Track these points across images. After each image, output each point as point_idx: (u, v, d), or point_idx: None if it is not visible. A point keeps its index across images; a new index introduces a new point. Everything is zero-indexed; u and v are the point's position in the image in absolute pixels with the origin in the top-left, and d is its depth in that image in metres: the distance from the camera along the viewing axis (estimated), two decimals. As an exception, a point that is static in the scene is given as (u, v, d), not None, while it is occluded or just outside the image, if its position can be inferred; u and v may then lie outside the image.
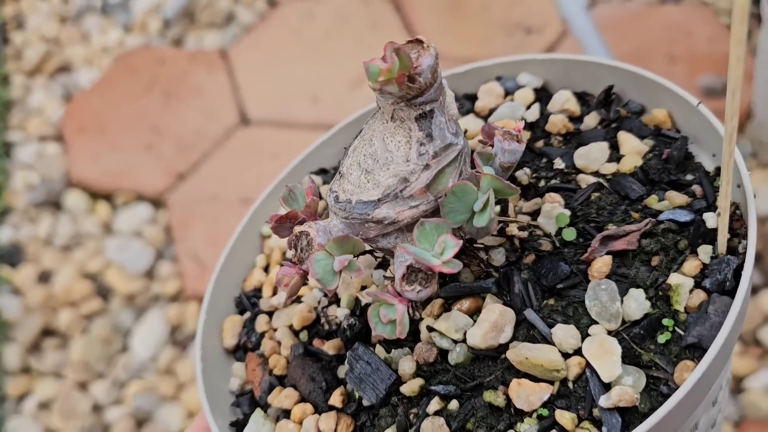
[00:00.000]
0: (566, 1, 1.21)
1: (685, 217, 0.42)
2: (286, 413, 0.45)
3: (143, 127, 1.41)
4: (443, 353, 0.42)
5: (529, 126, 0.52)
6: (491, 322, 0.41)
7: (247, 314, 0.53)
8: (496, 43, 1.37)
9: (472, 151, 0.42)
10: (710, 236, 0.40)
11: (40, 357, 1.22)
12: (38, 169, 1.47)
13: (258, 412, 0.46)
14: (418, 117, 0.40)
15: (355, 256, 0.41)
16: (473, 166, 0.42)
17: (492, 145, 0.41)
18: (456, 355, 0.41)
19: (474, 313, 0.42)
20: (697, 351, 0.37)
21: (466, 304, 0.42)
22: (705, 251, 0.40)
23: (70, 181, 1.40)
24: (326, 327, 0.49)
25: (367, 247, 0.43)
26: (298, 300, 0.52)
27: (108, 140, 1.41)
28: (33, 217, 1.38)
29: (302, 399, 0.46)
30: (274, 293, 0.53)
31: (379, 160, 0.40)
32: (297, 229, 0.42)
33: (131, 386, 1.19)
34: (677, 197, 0.43)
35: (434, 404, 0.40)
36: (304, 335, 0.49)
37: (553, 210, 0.45)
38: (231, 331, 0.52)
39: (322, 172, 0.59)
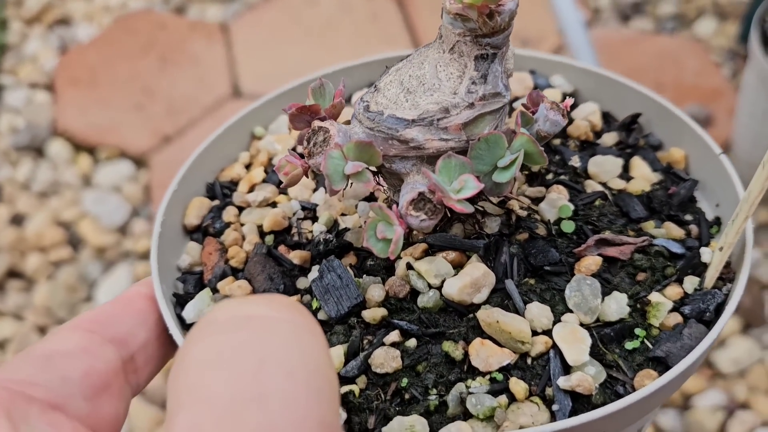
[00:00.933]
0: (565, 14, 1.23)
1: (677, 249, 0.43)
2: (233, 303, 0.44)
3: (135, 87, 1.41)
4: (414, 294, 0.41)
5: (551, 123, 0.52)
6: (473, 278, 0.40)
7: (217, 201, 0.51)
8: None
9: (511, 111, 0.42)
10: (699, 270, 0.42)
11: (3, 297, 1.19)
12: (25, 114, 1.44)
13: (206, 291, 0.44)
14: (478, 56, 0.39)
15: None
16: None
17: (534, 113, 0.41)
18: (427, 299, 0.41)
19: (456, 267, 0.42)
20: (660, 365, 0.38)
21: (451, 255, 0.42)
22: (691, 282, 0.41)
23: (56, 130, 1.38)
24: (296, 238, 0.47)
25: (374, 168, 0.42)
26: (273, 204, 0.50)
27: (99, 95, 1.40)
28: (14, 161, 1.36)
29: (254, 294, 0.44)
30: (251, 190, 0.51)
31: (426, 84, 0.40)
32: (317, 123, 0.41)
33: None
34: (674, 229, 0.44)
35: (393, 335, 0.39)
36: (270, 239, 0.48)
37: (558, 200, 0.45)
38: (196, 211, 0.50)
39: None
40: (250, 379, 0.25)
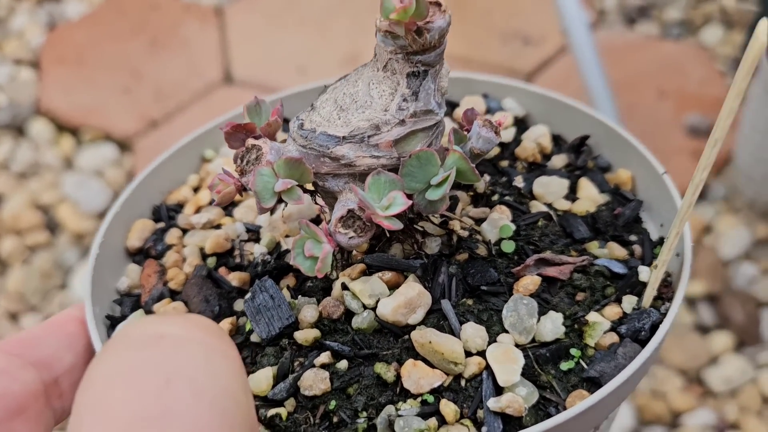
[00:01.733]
0: (570, 14, 1.18)
1: (619, 269, 0.42)
2: (167, 325, 0.43)
3: (123, 69, 1.37)
4: (349, 315, 0.41)
5: (501, 145, 0.52)
6: (407, 298, 0.40)
7: (161, 224, 0.50)
8: (491, 49, 1.36)
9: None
10: (638, 289, 0.41)
11: (-26, 280, 1.15)
12: (7, 91, 1.40)
13: (140, 312, 0.43)
14: (410, 74, 0.39)
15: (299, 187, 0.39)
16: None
17: (468, 131, 0.41)
18: (361, 320, 0.40)
19: (393, 287, 0.41)
20: (594, 385, 0.37)
21: (387, 275, 0.41)
22: (629, 301, 0.40)
23: (39, 109, 1.34)
24: (238, 260, 0.47)
25: (309, 187, 0.41)
26: (218, 226, 0.49)
27: (85, 75, 1.36)
28: (-7, 139, 1.32)
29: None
30: (197, 212, 0.50)
31: (358, 101, 0.39)
32: (250, 141, 0.40)
33: None
34: (617, 249, 0.44)
35: (324, 357, 0.38)
36: (212, 261, 0.47)
37: (500, 220, 0.44)
38: (139, 233, 0.49)
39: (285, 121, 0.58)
40: (154, 397, 0.24)
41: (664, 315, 0.39)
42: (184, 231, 0.49)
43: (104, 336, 0.42)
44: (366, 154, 0.38)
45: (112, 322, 0.43)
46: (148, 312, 0.44)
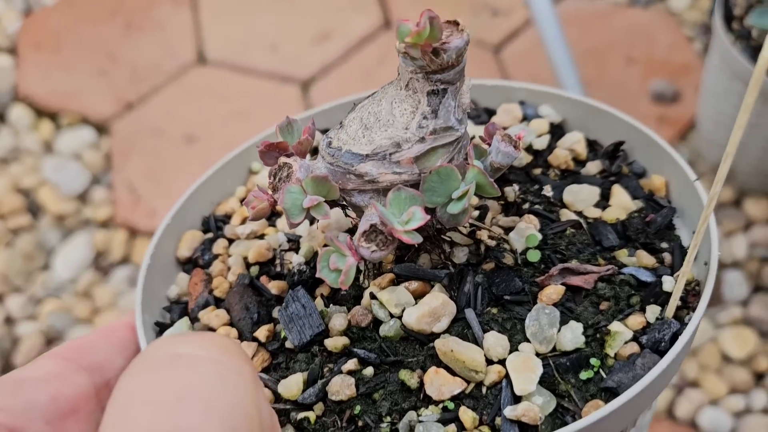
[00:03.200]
0: None
1: (646, 277, 0.43)
2: (211, 330, 0.46)
3: (99, 53, 1.39)
4: (377, 323, 0.42)
5: (534, 153, 0.52)
6: (431, 308, 0.41)
7: (210, 234, 0.54)
8: (461, 19, 1.35)
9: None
10: (662, 299, 0.41)
11: (-43, 263, 1.21)
12: None
13: (185, 320, 0.46)
14: (430, 92, 0.40)
15: (327, 202, 0.41)
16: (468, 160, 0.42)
17: (490, 144, 0.42)
18: (388, 328, 0.42)
19: (419, 296, 0.43)
20: (612, 395, 0.37)
21: (414, 285, 0.43)
22: (653, 311, 0.41)
23: (17, 95, 1.37)
24: (278, 269, 0.49)
25: (340, 201, 0.43)
26: (261, 236, 0.52)
27: (62, 60, 1.39)
28: (-27, 126, 1.36)
29: (230, 323, 0.46)
30: (242, 223, 0.53)
31: (381, 120, 0.41)
32: (282, 159, 0.43)
33: (47, 304, 1.17)
34: (646, 258, 0.44)
35: (350, 364, 0.40)
36: (255, 270, 0.50)
37: (527, 230, 0.45)
38: (188, 243, 0.52)
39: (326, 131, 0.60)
40: (167, 415, 0.27)
41: (686, 325, 0.39)
42: (231, 241, 0.52)
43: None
44: (388, 171, 0.40)
45: (161, 329, 0.47)
46: (194, 319, 0.47)
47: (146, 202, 1.25)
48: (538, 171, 0.51)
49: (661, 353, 0.38)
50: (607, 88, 1.22)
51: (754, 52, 1.00)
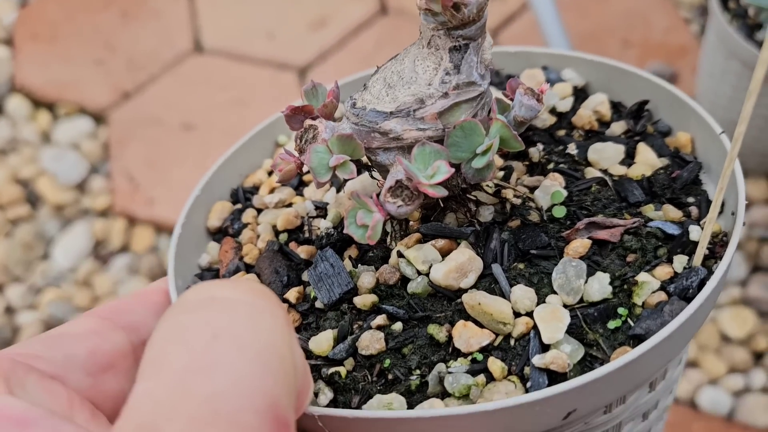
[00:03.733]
0: None
1: (673, 230, 0.43)
2: (242, 295, 0.47)
3: (96, 42, 1.40)
4: (405, 280, 0.43)
5: (558, 115, 0.52)
6: (458, 263, 0.42)
7: (239, 205, 0.54)
8: None
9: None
10: (689, 248, 0.41)
11: (-42, 254, 1.23)
12: None
13: (216, 284, 0.47)
14: (452, 48, 0.41)
15: (353, 161, 0.42)
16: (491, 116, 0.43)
17: (513, 100, 0.42)
18: (416, 285, 0.42)
19: (446, 254, 0.43)
20: (639, 342, 0.37)
21: (441, 242, 0.43)
22: (680, 261, 0.40)
23: (14, 86, 1.38)
24: (306, 235, 0.50)
25: (366, 161, 0.44)
26: (289, 205, 0.53)
27: (59, 50, 1.39)
28: (-29, 118, 1.39)
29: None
30: (271, 192, 0.54)
31: (404, 78, 0.42)
32: (308, 122, 0.43)
33: (47, 293, 1.18)
34: (672, 211, 0.44)
35: (380, 319, 0.41)
36: (283, 237, 0.50)
37: (552, 187, 0.45)
38: (218, 213, 0.53)
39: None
40: (201, 351, 0.27)
41: (714, 273, 0.39)
42: (259, 211, 0.53)
43: None
44: (412, 128, 0.41)
45: (194, 293, 0.48)
46: (225, 284, 0.48)
47: (145, 191, 1.26)
48: (562, 132, 0.51)
49: (689, 300, 0.38)
50: None
51: (750, 31, 1.00)
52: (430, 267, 0.42)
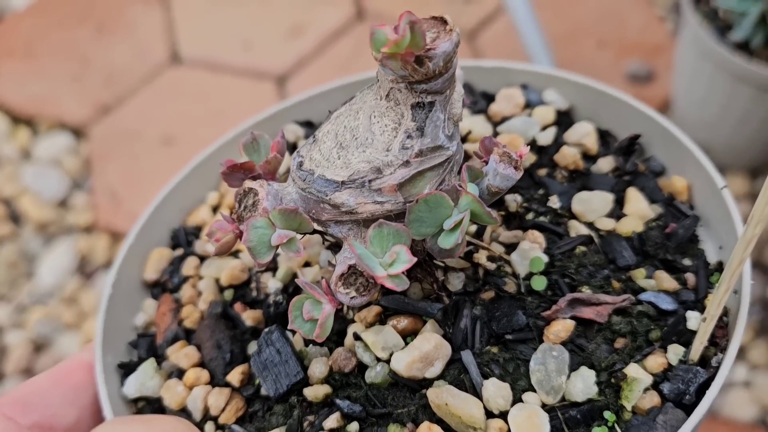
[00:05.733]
0: None
1: (667, 304, 0.37)
2: (180, 373, 0.41)
3: (72, 57, 1.36)
4: (362, 367, 0.38)
5: (538, 149, 0.46)
6: (422, 353, 0.36)
7: (179, 251, 0.48)
8: (434, 9, 1.31)
9: (467, 157, 0.37)
10: (686, 337, 0.36)
11: (-59, 276, 1.19)
12: None
13: (150, 362, 0.41)
14: (415, 105, 0.34)
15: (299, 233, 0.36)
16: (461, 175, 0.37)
17: (486, 162, 0.36)
18: (374, 375, 0.37)
19: (409, 335, 0.38)
20: (630, 459, 0.33)
21: (404, 322, 0.38)
22: (675, 352, 0.35)
23: None
24: (254, 294, 0.44)
25: (316, 227, 0.38)
26: (235, 255, 0.47)
27: (36, 66, 1.35)
28: (-50, 137, 1.33)
29: (202, 363, 0.41)
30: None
31: (358, 138, 0.35)
32: (247, 184, 0.37)
33: (34, 312, 1.15)
34: (666, 281, 0.39)
35: (333, 420, 0.36)
36: (229, 294, 0.45)
37: (531, 251, 0.40)
38: (156, 264, 0.47)
39: (307, 125, 0.54)
40: None
41: (716, 369, 0.34)
42: (202, 259, 0.47)
43: (114, 389, 0.40)
44: (368, 200, 0.34)
45: (125, 371, 0.42)
46: (161, 357, 0.42)
47: (127, 206, 1.22)
48: (543, 172, 0.45)
49: (685, 407, 0.33)
50: (579, 71, 1.17)
51: (721, 33, 0.99)
52: (391, 354, 0.37)
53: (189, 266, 0.47)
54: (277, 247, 0.35)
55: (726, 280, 0.31)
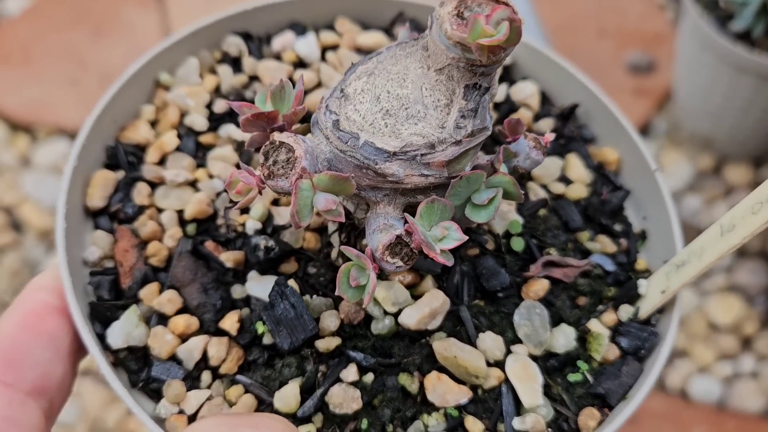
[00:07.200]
0: None
1: (610, 266, 0.44)
2: (163, 318, 0.39)
3: (69, 61, 1.30)
4: (367, 319, 0.39)
5: (494, 105, 0.50)
6: (431, 309, 0.39)
7: (121, 173, 0.44)
8: (434, 1, 1.28)
9: (492, 135, 0.40)
10: (636, 300, 0.43)
11: (-57, 287, 1.09)
12: None
13: (133, 310, 0.38)
14: (469, 85, 0.35)
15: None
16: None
17: (510, 141, 0.39)
18: (381, 326, 0.39)
19: (411, 287, 0.40)
20: (602, 401, 0.40)
21: (408, 278, 0.40)
22: (626, 311, 0.43)
23: None
24: (224, 231, 0.42)
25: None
26: (194, 185, 0.44)
27: (32, 71, 1.29)
28: (-52, 144, 1.21)
29: (186, 309, 0.39)
30: (161, 159, 0.44)
31: (409, 108, 0.35)
32: (277, 136, 0.35)
33: None
34: (609, 245, 0.46)
35: (352, 373, 0.38)
36: (192, 228, 0.42)
37: (508, 213, 0.44)
38: (100, 190, 0.42)
39: (246, 36, 0.50)
40: None
41: (655, 329, 0.42)
42: (152, 185, 0.43)
43: (93, 336, 0.37)
44: (415, 173, 0.35)
45: (97, 316, 0.38)
46: (134, 298, 0.39)
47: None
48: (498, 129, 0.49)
49: (641, 359, 0.41)
50: (580, 61, 1.16)
51: (721, 23, 1.00)
52: (399, 310, 0.39)
53: (141, 194, 0.43)
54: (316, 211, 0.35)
55: (696, 266, 0.39)
